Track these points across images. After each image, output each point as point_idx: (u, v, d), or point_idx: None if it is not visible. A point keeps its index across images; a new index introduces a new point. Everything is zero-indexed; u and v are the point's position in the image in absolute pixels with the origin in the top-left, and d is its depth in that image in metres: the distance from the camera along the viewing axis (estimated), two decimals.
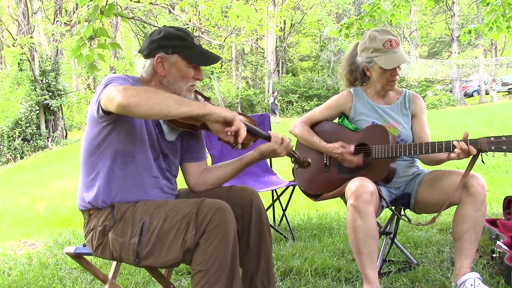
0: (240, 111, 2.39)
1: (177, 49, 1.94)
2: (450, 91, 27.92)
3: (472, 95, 30.73)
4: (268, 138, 2.05)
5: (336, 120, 2.73)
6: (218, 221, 1.75)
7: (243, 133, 1.80)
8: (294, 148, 2.77)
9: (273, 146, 2.04)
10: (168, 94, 1.73)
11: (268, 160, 4.13)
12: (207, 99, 2.13)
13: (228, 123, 1.79)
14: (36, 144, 19.45)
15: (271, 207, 4.02)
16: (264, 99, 27.84)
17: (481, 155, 2.22)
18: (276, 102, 24.66)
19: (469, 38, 5.30)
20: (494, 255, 2.64)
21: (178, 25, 26.25)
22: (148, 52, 1.97)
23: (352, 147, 2.50)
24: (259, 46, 32.27)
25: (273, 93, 26.41)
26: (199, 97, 2.11)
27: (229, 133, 1.79)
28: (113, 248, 1.88)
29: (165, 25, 2.16)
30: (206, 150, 2.19)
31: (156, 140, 1.99)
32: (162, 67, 1.95)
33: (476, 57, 27.51)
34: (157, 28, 2.07)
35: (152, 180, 1.99)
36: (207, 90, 27.12)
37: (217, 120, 1.77)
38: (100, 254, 1.96)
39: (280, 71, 30.85)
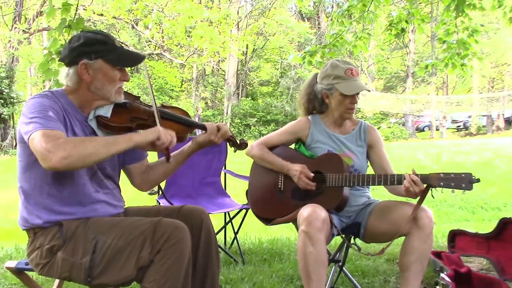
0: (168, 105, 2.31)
1: (100, 54, 1.91)
2: (403, 125, 28.84)
3: (423, 130, 31.86)
4: (203, 128, 2.14)
5: (292, 146, 2.75)
6: (175, 240, 1.74)
7: (173, 143, 1.92)
8: (249, 171, 2.77)
9: (209, 136, 2.11)
10: (96, 141, 1.75)
11: (222, 182, 4.11)
12: (137, 98, 2.12)
13: (155, 142, 1.86)
14: None
15: (223, 229, 3.98)
16: (223, 121, 27.81)
17: (431, 190, 2.29)
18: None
19: (425, 72, 5.54)
20: (437, 287, 2.71)
21: (141, 42, 26.12)
22: (70, 60, 1.92)
23: (311, 174, 2.50)
24: (220, 68, 32.36)
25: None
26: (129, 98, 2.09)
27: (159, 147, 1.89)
28: (62, 267, 1.81)
29: (82, 30, 2.14)
30: None
31: None
32: (87, 73, 1.91)
33: (428, 94, 28.59)
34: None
35: (94, 195, 1.93)
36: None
37: (145, 146, 1.86)
38: (45, 273, 1.87)
39: (240, 94, 30.96)
